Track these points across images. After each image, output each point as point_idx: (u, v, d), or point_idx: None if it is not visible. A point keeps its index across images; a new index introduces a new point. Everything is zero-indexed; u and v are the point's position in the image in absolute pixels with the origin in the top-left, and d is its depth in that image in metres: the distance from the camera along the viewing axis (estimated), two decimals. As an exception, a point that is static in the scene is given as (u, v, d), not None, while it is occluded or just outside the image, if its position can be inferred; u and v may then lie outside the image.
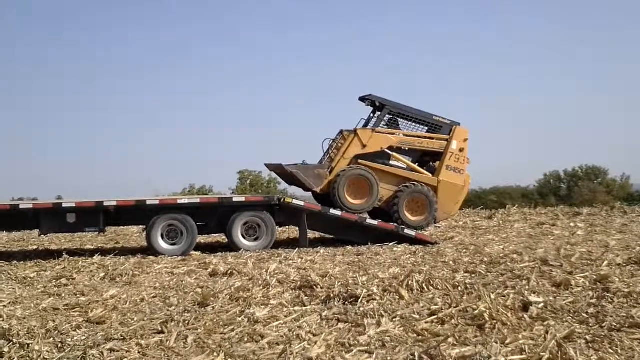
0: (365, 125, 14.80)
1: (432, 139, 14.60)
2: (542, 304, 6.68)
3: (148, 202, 12.75)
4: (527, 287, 7.56)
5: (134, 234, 17.77)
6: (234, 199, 13.86)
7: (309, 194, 15.46)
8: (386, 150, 14.37)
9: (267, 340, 5.79)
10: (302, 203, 13.30)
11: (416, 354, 5.14)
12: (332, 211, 13.32)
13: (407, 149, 14.59)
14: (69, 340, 5.95)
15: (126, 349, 5.61)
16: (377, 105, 14.96)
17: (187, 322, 6.54)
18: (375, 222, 13.51)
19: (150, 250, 12.52)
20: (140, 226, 15.32)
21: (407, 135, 14.64)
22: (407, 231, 13.41)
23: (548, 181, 64.70)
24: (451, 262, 10.12)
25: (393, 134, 14.51)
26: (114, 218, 12.95)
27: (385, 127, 14.69)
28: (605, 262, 9.18)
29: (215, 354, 5.35)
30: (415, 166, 14.57)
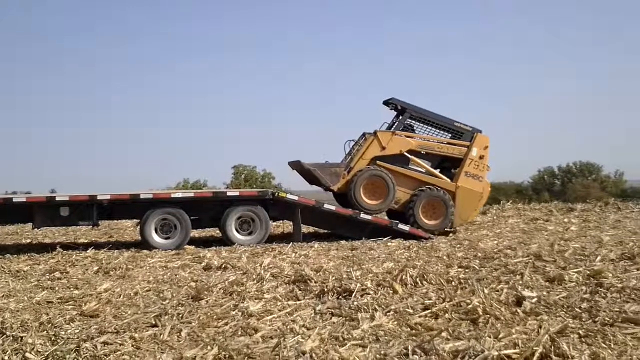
0: (389, 129, 14.76)
1: (453, 145, 14.57)
2: (535, 299, 6.69)
3: (142, 197, 12.72)
4: (520, 282, 7.57)
5: (128, 228, 17.75)
6: (228, 194, 13.86)
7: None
8: (405, 154, 14.36)
9: (261, 334, 5.79)
10: (296, 197, 13.28)
11: (410, 348, 5.14)
12: (327, 206, 13.31)
13: (424, 152, 14.56)
14: (63, 333, 5.93)
15: (120, 342, 5.60)
16: (399, 109, 14.95)
17: (181, 315, 6.52)
18: (369, 217, 13.50)
19: (144, 244, 12.50)
20: (135, 220, 15.30)
21: (427, 140, 14.63)
22: (400, 226, 13.43)
23: (542, 177, 64.90)
24: (445, 257, 10.14)
25: (413, 137, 14.50)
26: (108, 212, 12.94)
27: (404, 131, 14.65)
28: (599, 258, 9.21)
29: (209, 347, 5.34)
30: (434, 171, 14.55)
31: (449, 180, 14.38)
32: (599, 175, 63.17)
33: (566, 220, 17.10)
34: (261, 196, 13.23)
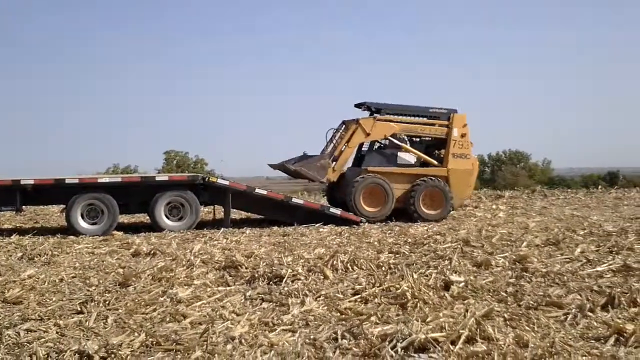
0: None
1: (433, 124, 14.80)
2: (462, 283, 6.81)
3: (67, 181, 12.41)
4: (448, 267, 7.70)
5: (54, 214, 17.29)
6: (157, 178, 13.62)
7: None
8: (390, 138, 14.58)
9: (190, 320, 5.72)
10: (226, 182, 13.14)
11: (339, 332, 5.16)
12: (258, 190, 13.21)
13: (404, 136, 14.73)
14: (-17, 320, 5.75)
15: (44, 329, 5.46)
16: (373, 110, 15.05)
17: (107, 302, 6.40)
18: (300, 201, 13.54)
19: (70, 230, 12.21)
20: (60, 205, 14.94)
21: (408, 123, 14.79)
22: (332, 210, 13.49)
23: (472, 165, 66.11)
24: (376, 243, 10.23)
25: (395, 121, 14.61)
26: (32, 197, 12.57)
27: None
28: (525, 243, 9.44)
29: (135, 334, 5.24)
30: (425, 156, 14.66)
31: (439, 166, 14.57)
32: (527, 163, 64.82)
33: (494, 206, 17.48)
34: (191, 181, 13.05)
